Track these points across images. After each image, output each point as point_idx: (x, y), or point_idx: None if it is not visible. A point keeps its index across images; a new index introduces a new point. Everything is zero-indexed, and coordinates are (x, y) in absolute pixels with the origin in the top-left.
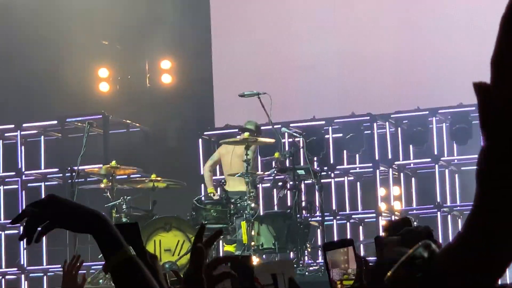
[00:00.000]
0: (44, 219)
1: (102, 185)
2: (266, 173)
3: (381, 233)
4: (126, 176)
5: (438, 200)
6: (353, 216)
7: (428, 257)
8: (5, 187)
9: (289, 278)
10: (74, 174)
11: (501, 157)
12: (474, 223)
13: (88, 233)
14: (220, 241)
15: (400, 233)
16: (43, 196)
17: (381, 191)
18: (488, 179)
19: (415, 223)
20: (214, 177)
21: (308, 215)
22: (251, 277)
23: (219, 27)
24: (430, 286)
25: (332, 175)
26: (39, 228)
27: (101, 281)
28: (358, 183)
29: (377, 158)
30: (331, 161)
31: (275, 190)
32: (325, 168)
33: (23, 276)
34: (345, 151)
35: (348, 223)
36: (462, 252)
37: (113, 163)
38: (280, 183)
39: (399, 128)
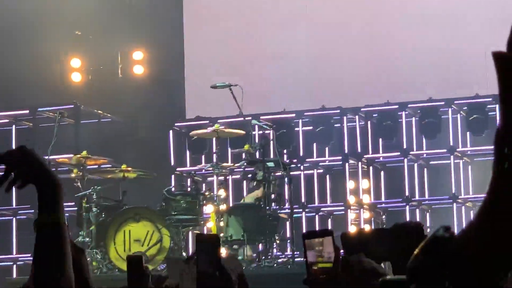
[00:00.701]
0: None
1: (73, 175)
2: (236, 165)
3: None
4: (96, 166)
5: (407, 193)
6: (322, 208)
7: (449, 237)
8: None
9: (239, 274)
10: None
11: None
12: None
13: (39, 185)
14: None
15: (392, 228)
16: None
17: (350, 184)
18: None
19: (383, 216)
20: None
21: (277, 207)
22: (217, 256)
23: (191, 18)
24: (452, 265)
25: (302, 167)
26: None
27: None
28: (328, 176)
29: (346, 151)
30: (301, 154)
31: (244, 182)
32: (295, 160)
33: None
34: (314, 144)
35: (317, 216)
36: (481, 229)
37: (84, 153)
38: (249, 175)
39: (368, 122)
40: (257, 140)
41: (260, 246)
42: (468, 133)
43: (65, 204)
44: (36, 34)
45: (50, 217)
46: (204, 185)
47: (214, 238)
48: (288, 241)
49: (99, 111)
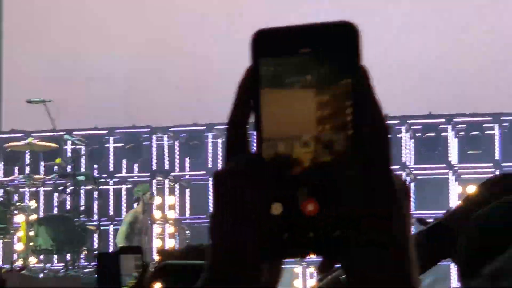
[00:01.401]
0: None
1: None
2: (48, 177)
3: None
4: None
5: (210, 210)
6: None
7: None
8: None
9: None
10: None
11: None
12: None
13: None
14: None
15: (185, 249)
16: None
17: (157, 200)
18: None
19: (187, 232)
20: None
21: (86, 219)
22: None
23: (11, 32)
24: None
25: (111, 182)
26: None
27: None
28: None
29: (154, 168)
30: (111, 169)
31: (56, 194)
32: (105, 175)
33: None
34: (124, 160)
35: None
36: None
37: None
38: (60, 188)
39: (177, 141)
40: (69, 154)
41: (68, 256)
42: None
43: None
44: None
45: None
46: (16, 195)
47: None
48: (96, 251)
49: None
